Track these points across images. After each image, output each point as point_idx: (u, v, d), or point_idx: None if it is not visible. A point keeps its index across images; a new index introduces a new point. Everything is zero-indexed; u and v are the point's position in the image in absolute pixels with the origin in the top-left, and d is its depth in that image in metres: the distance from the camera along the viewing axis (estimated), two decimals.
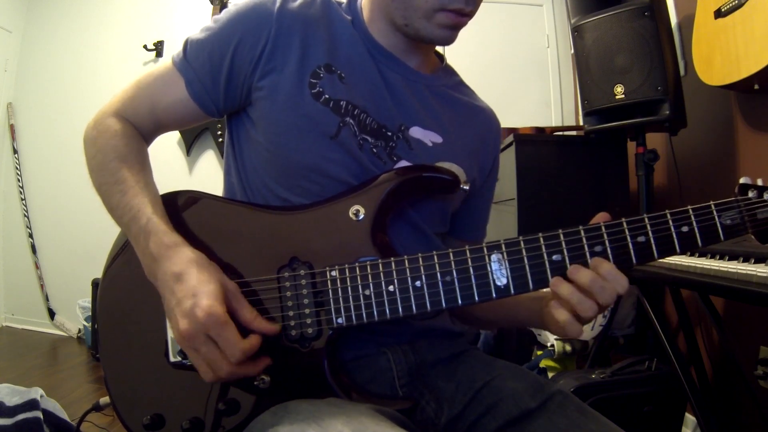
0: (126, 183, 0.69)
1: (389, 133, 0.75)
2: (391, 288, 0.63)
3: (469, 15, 0.73)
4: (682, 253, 0.60)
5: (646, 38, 1.61)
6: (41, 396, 1.45)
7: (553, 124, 3.04)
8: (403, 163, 0.75)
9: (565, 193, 1.96)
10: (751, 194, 0.59)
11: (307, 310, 0.64)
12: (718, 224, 0.59)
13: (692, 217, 0.59)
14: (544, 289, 0.62)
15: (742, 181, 0.60)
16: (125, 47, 3.28)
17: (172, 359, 0.68)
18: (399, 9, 0.73)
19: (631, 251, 0.59)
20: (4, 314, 3.41)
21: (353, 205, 0.67)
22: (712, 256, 1.08)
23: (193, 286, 0.59)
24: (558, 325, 0.62)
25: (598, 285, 0.58)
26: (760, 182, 0.60)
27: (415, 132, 0.77)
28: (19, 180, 3.38)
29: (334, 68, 0.74)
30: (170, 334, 0.68)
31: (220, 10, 2.91)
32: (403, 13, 0.73)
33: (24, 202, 3.37)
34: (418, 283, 0.62)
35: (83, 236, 3.16)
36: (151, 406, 0.67)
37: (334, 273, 0.64)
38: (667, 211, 0.60)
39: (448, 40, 0.75)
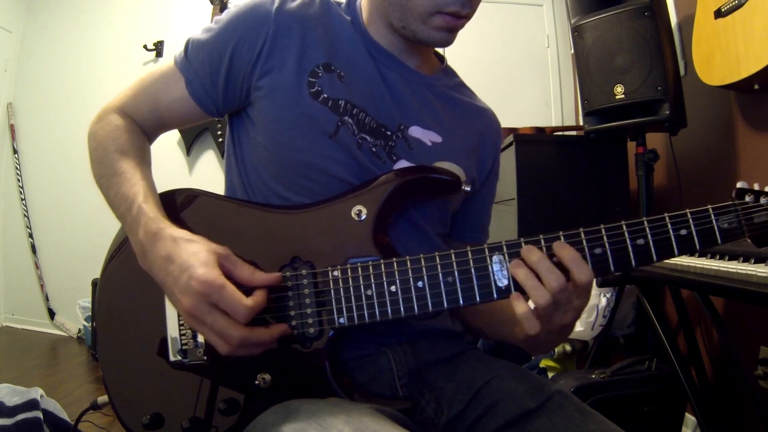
0: (123, 175, 0.70)
1: (388, 133, 0.76)
2: (393, 288, 0.63)
3: (466, 17, 0.73)
4: (681, 255, 0.61)
5: (646, 38, 1.61)
6: (41, 396, 1.45)
7: (553, 124, 3.05)
8: (403, 163, 0.75)
9: (565, 193, 1.96)
10: (747, 198, 0.60)
11: (308, 310, 0.64)
12: (716, 228, 0.59)
13: (690, 220, 0.60)
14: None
15: (739, 185, 0.61)
16: (125, 47, 3.28)
17: (171, 358, 0.68)
18: (396, 12, 0.74)
19: (631, 253, 0.60)
20: (4, 314, 3.41)
21: (355, 205, 0.68)
22: (712, 256, 1.08)
23: (184, 261, 0.59)
24: (518, 324, 0.60)
25: (544, 266, 0.57)
26: (756, 186, 0.61)
27: (415, 131, 0.77)
28: (19, 180, 3.38)
29: (333, 67, 0.74)
30: (170, 333, 0.68)
31: (221, 11, 2.92)
32: (399, 16, 0.74)
33: (24, 202, 3.37)
34: (420, 284, 0.62)
35: (83, 236, 3.16)
36: (150, 405, 0.67)
37: (336, 273, 0.64)
38: (666, 214, 0.60)
39: (446, 42, 0.75)
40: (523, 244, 0.61)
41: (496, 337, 0.81)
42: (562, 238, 0.61)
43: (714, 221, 0.60)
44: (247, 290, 0.60)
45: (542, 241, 0.61)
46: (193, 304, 0.58)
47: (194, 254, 0.59)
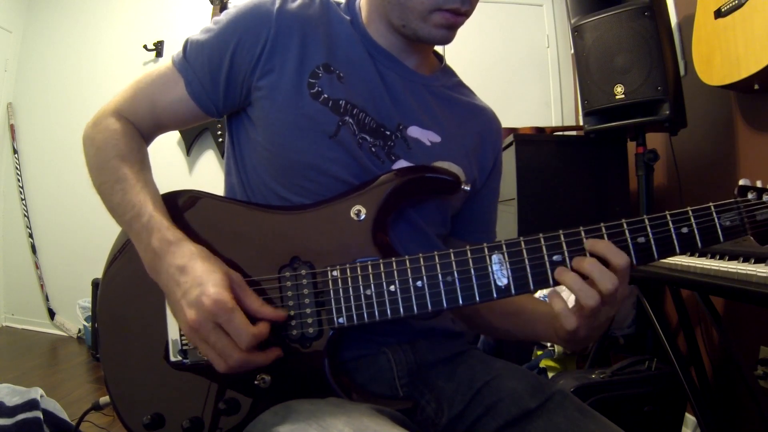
0: (127, 181, 0.69)
1: (387, 133, 0.76)
2: (392, 288, 0.63)
3: (466, 14, 0.73)
4: (682, 253, 0.60)
5: (646, 38, 1.61)
6: (41, 396, 1.45)
7: (553, 124, 3.04)
8: (402, 163, 0.75)
9: (565, 193, 1.96)
10: (750, 196, 0.60)
11: (308, 310, 0.64)
12: (718, 225, 0.59)
13: (692, 218, 0.59)
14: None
15: (741, 182, 0.60)
16: (125, 47, 3.28)
17: (172, 359, 0.68)
18: (395, 10, 0.74)
19: (632, 252, 0.60)
20: (4, 314, 3.41)
21: (355, 205, 0.68)
22: (712, 256, 1.08)
23: (198, 276, 0.59)
24: (555, 318, 0.61)
25: (596, 269, 0.58)
26: (759, 184, 0.60)
27: (414, 131, 0.77)
28: (19, 180, 3.38)
29: (332, 68, 0.74)
30: (171, 334, 0.68)
31: (221, 11, 2.91)
32: (399, 15, 0.73)
33: (24, 202, 3.37)
34: (419, 283, 0.62)
35: (83, 236, 3.16)
36: (151, 405, 0.67)
37: (335, 273, 0.64)
38: (667, 212, 0.60)
39: (446, 40, 0.75)
40: (522, 242, 0.61)
41: (529, 337, 0.81)
42: (562, 236, 0.61)
43: (716, 219, 0.59)
44: (250, 319, 0.60)
45: (542, 240, 0.61)
46: (199, 319, 0.58)
47: (210, 272, 0.60)
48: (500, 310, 0.82)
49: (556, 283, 0.60)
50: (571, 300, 0.61)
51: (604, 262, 0.58)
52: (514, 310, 0.81)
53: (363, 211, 0.67)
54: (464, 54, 2.76)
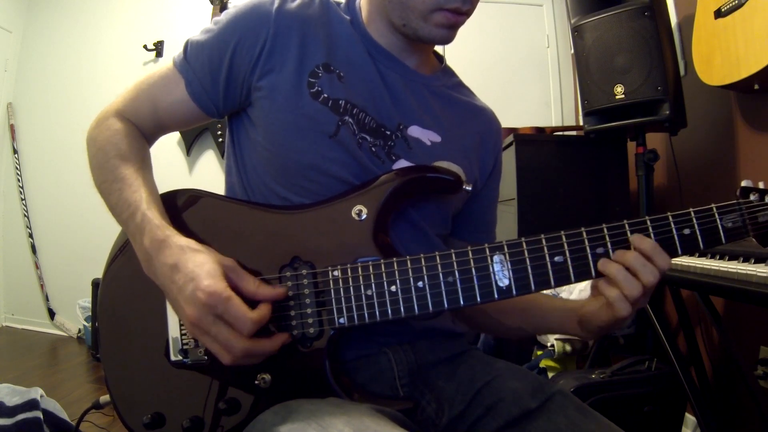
0: (124, 181, 0.69)
1: (388, 132, 0.76)
2: (393, 288, 0.63)
3: (467, 14, 0.73)
4: (684, 254, 0.60)
5: (646, 38, 1.61)
6: (41, 396, 1.45)
7: (553, 124, 3.05)
8: (402, 162, 0.75)
9: (565, 193, 1.96)
10: (752, 197, 0.60)
11: (308, 310, 0.64)
12: (720, 227, 0.59)
13: (694, 219, 0.59)
14: (576, 298, 0.61)
15: (743, 183, 0.61)
16: (125, 47, 3.28)
17: (172, 358, 0.68)
18: (396, 10, 0.74)
19: None
20: (4, 314, 3.41)
21: (356, 205, 0.68)
22: (712, 256, 1.08)
23: (190, 271, 0.59)
24: (606, 307, 0.62)
25: (641, 263, 0.59)
26: (761, 185, 0.60)
27: (414, 131, 0.77)
28: (19, 180, 3.38)
29: (332, 68, 0.74)
30: (171, 333, 0.68)
31: (221, 11, 2.91)
32: (400, 14, 0.74)
33: (24, 202, 3.37)
34: (420, 284, 0.62)
35: (83, 236, 3.16)
36: (151, 405, 0.67)
37: (336, 273, 0.64)
38: (669, 213, 0.60)
39: (447, 39, 0.75)
40: (524, 243, 0.61)
41: (541, 331, 0.81)
42: (563, 237, 0.61)
43: (718, 220, 0.59)
44: (252, 302, 0.60)
45: (543, 241, 0.61)
46: (197, 314, 0.58)
47: (201, 264, 0.60)
48: (511, 308, 0.82)
49: (566, 281, 0.60)
50: (574, 295, 0.61)
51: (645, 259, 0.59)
52: (527, 306, 0.81)
53: (364, 210, 0.67)
54: (464, 54, 2.76)
